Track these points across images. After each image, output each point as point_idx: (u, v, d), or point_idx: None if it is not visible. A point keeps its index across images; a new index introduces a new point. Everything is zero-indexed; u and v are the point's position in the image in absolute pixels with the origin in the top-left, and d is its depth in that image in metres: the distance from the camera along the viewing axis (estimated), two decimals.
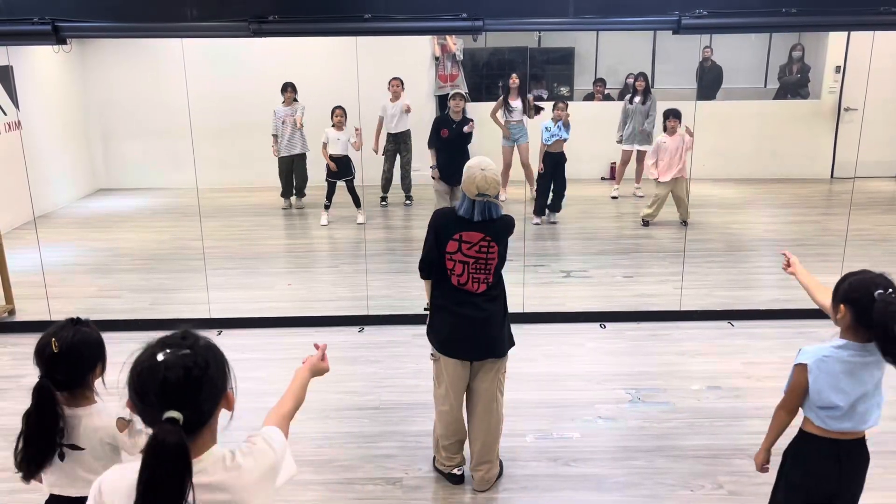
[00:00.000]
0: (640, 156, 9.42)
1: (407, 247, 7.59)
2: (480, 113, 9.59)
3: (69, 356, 2.28)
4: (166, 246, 7.64)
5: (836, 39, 10.26)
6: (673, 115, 8.02)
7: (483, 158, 3.47)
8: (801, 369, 2.64)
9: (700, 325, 5.51)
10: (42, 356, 2.28)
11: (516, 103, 8.85)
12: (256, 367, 4.92)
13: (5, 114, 8.10)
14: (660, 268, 6.82)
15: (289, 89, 8.78)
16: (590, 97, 10.78)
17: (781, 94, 11.04)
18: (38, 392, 2.24)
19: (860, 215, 7.83)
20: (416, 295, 6.21)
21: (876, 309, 2.40)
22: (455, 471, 3.70)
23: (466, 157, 7.57)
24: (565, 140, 8.16)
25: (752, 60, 11.68)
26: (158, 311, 5.83)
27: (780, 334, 5.31)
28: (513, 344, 3.62)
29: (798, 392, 2.67)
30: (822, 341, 2.65)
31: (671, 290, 6.03)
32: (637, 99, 9.25)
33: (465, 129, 7.56)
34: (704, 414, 4.31)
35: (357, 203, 8.34)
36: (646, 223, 8.25)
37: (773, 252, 7.46)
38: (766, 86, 11.60)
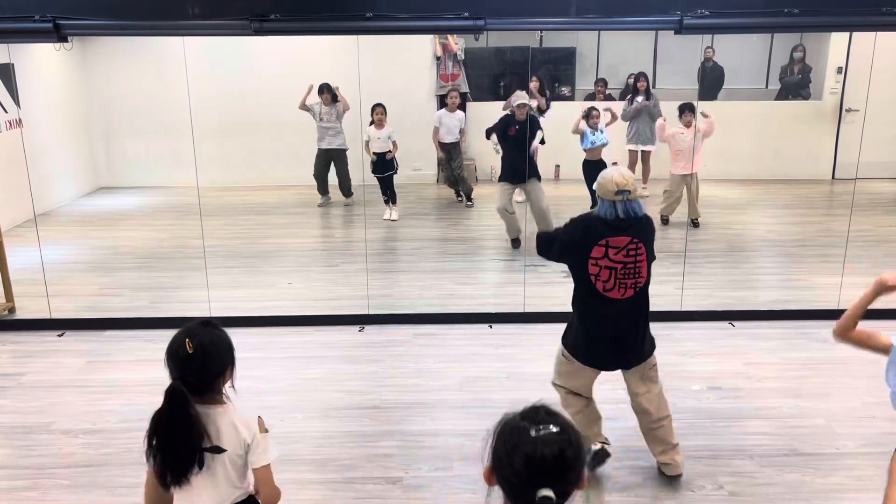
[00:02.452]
0: (645, 156, 9.41)
1: (408, 246, 7.59)
2: (481, 112, 9.59)
3: (203, 358, 2.24)
4: (167, 244, 7.64)
5: (837, 40, 10.25)
6: (689, 110, 7.99)
7: (616, 166, 3.46)
8: (887, 342, 2.79)
9: (701, 325, 5.50)
10: (176, 357, 2.24)
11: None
12: (257, 366, 4.92)
13: (6, 111, 8.10)
14: (661, 268, 6.76)
15: (325, 91, 8.68)
16: (591, 97, 10.77)
17: (783, 94, 11.04)
18: (172, 394, 2.19)
19: (862, 216, 7.82)
20: (416, 294, 6.21)
21: None
22: (594, 445, 3.65)
23: (529, 155, 7.52)
24: (605, 144, 7.99)
25: (754, 61, 11.68)
26: (159, 310, 5.83)
27: (782, 335, 5.31)
28: (653, 347, 3.65)
29: (868, 344, 2.84)
30: None
31: (672, 291, 6.03)
32: (639, 99, 9.23)
33: (532, 148, 7.43)
34: (705, 414, 4.30)
35: (393, 199, 8.34)
36: (665, 220, 8.21)
37: (775, 253, 7.47)
38: (767, 86, 11.59)
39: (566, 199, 9.41)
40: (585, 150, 8.05)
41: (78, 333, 5.26)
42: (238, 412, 2.34)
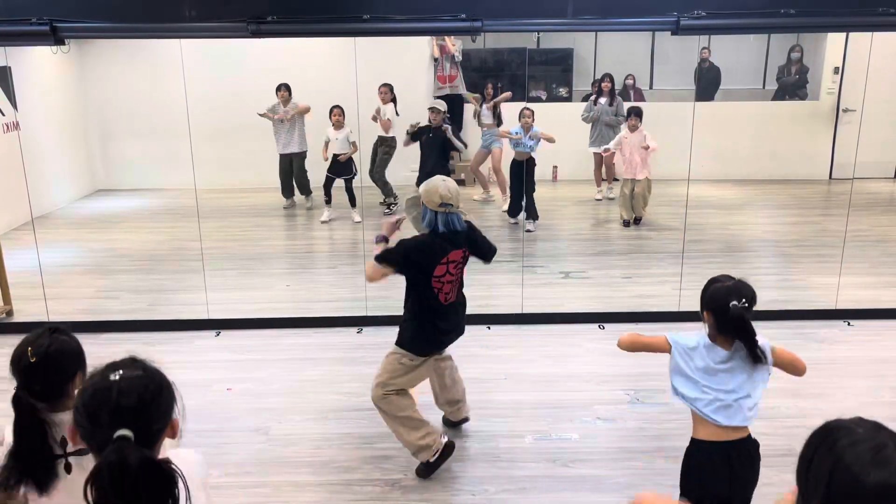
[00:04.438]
0: (608, 158, 9.45)
1: None
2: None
3: (46, 366, 2.19)
4: (165, 247, 7.63)
5: (834, 40, 10.27)
6: (635, 114, 8.18)
7: (442, 176, 3.62)
8: (665, 342, 2.88)
9: (700, 325, 5.48)
10: (18, 366, 2.19)
11: (488, 110, 9.06)
12: (255, 368, 4.92)
13: (3, 115, 8.09)
14: (658, 269, 6.82)
15: (283, 89, 8.80)
16: (588, 98, 10.78)
17: (780, 95, 11.05)
18: (16, 404, 2.14)
19: (858, 216, 7.84)
20: None
21: (728, 319, 2.67)
22: (442, 439, 3.72)
23: (445, 162, 7.73)
24: (531, 150, 8.00)
25: (751, 61, 11.69)
26: (157, 312, 5.82)
27: (779, 335, 5.26)
28: None
29: (651, 347, 2.92)
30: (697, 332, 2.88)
31: (670, 291, 6.03)
32: (602, 100, 9.26)
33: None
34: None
35: (353, 202, 8.38)
36: (626, 223, 8.29)
37: (772, 253, 7.48)
38: (764, 87, 11.61)
39: (564, 201, 9.44)
40: (514, 150, 8.15)
41: (76, 336, 5.25)
42: None
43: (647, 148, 7.97)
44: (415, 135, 8.07)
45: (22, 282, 5.95)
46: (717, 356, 2.77)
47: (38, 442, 2.15)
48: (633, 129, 8.16)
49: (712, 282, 2.80)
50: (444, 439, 3.72)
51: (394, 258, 3.50)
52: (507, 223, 8.38)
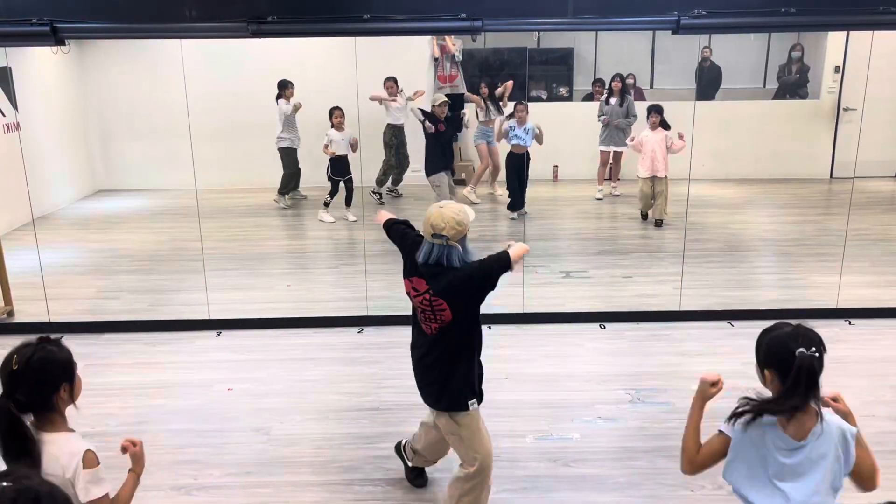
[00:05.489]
0: (617, 156, 9.47)
1: None
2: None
3: (28, 375, 2.16)
4: (165, 247, 7.63)
5: (835, 39, 10.26)
6: (655, 111, 8.15)
7: (448, 201, 3.19)
8: (721, 438, 2.42)
9: (700, 325, 5.50)
10: (3, 373, 2.17)
11: (491, 106, 9.21)
12: (256, 368, 4.92)
13: (4, 115, 8.09)
14: (659, 268, 6.82)
15: (290, 86, 8.92)
16: (589, 97, 10.78)
17: (781, 94, 11.04)
18: None
19: (859, 215, 7.83)
20: None
21: (797, 372, 2.23)
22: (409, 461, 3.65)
23: (452, 147, 7.96)
24: (527, 145, 8.12)
25: (752, 60, 11.69)
26: (158, 313, 5.82)
27: None
28: (460, 404, 3.13)
29: (712, 458, 2.45)
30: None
31: (671, 291, 6.03)
32: (613, 100, 9.28)
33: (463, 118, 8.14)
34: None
35: (349, 202, 8.46)
36: (644, 216, 8.38)
37: (773, 252, 7.47)
38: (765, 86, 11.60)
39: (565, 200, 9.44)
40: (511, 145, 8.27)
41: (76, 336, 5.24)
42: (68, 444, 2.21)
43: (681, 146, 7.82)
44: (427, 117, 8.26)
45: (23, 282, 5.95)
46: (782, 443, 2.33)
47: (22, 451, 2.12)
48: (654, 127, 8.12)
49: (766, 332, 2.34)
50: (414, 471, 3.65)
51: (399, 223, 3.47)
52: (507, 218, 8.42)
